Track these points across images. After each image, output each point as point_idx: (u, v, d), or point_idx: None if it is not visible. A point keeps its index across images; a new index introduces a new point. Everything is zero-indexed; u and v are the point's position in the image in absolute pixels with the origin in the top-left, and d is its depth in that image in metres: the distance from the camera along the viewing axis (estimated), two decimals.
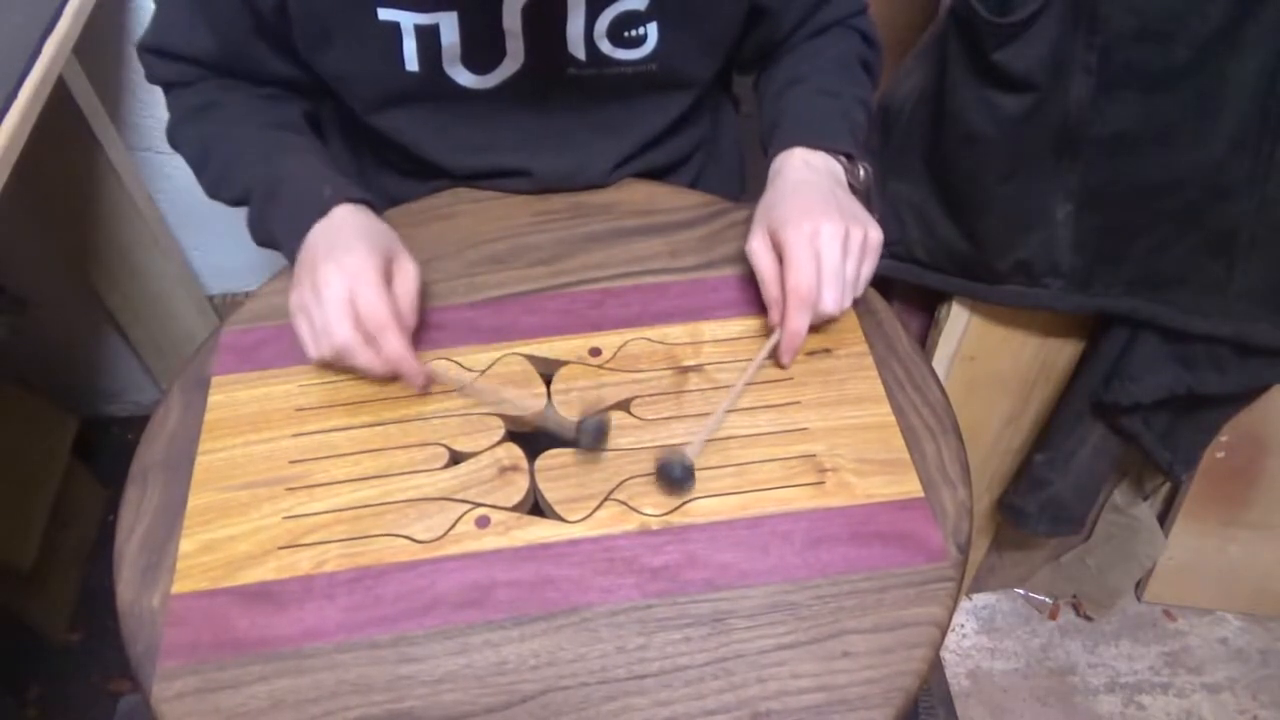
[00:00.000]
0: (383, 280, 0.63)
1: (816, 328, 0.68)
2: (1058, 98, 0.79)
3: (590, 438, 0.62)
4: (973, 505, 0.60)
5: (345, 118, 0.81)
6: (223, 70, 0.75)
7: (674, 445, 0.62)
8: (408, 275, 0.66)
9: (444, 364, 0.67)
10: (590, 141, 0.79)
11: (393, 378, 0.65)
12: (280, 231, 0.69)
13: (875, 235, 0.67)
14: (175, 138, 0.78)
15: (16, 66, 0.78)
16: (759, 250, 0.67)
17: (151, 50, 0.75)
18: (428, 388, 0.66)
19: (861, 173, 0.73)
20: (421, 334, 0.69)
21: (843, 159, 0.72)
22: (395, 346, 0.62)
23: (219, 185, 0.75)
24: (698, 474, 0.61)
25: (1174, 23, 0.75)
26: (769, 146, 0.75)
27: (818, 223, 0.64)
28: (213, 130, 0.75)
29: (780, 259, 0.66)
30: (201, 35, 0.73)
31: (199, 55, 0.74)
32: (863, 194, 0.72)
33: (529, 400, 0.65)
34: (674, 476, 0.59)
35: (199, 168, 0.76)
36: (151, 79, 0.77)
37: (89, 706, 1.22)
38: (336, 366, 0.65)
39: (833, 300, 0.64)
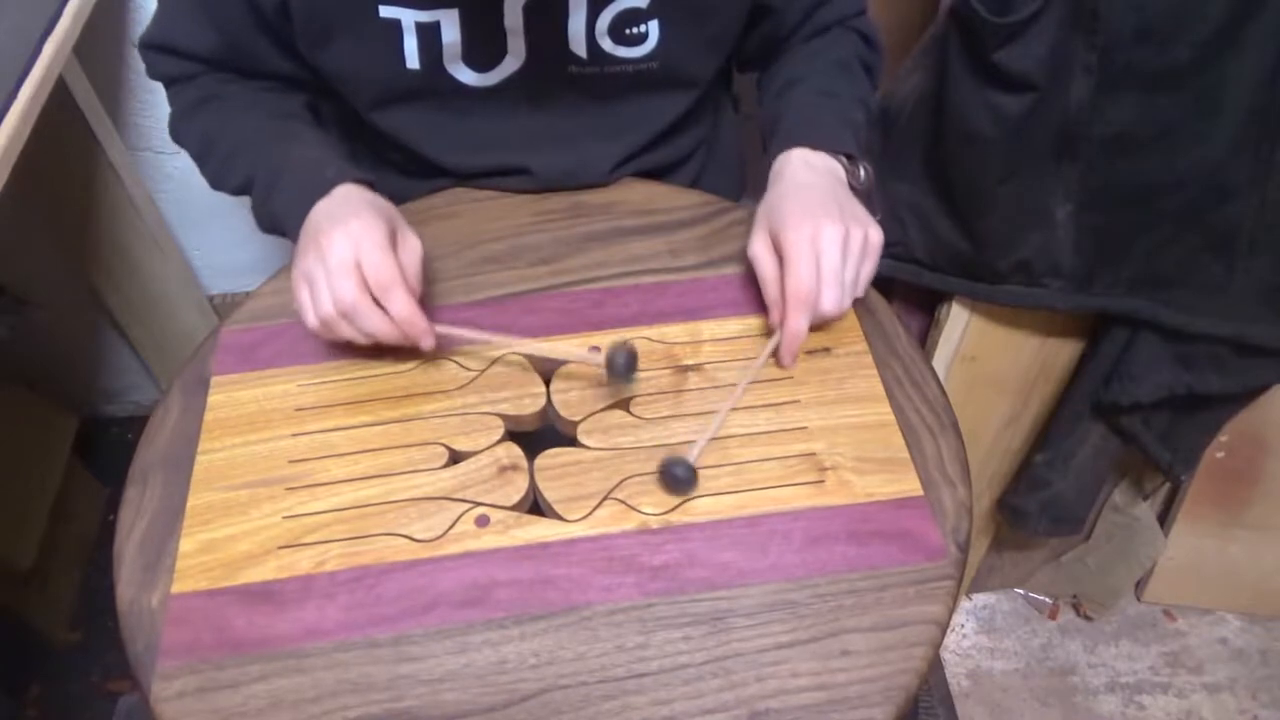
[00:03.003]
0: (389, 243, 0.63)
1: (817, 327, 0.68)
2: (1058, 98, 0.79)
3: (622, 369, 0.62)
4: (972, 504, 0.60)
5: (345, 117, 0.81)
6: (224, 66, 0.75)
7: (676, 445, 0.62)
8: (412, 245, 0.66)
9: (445, 329, 0.66)
10: (591, 140, 0.79)
11: (395, 344, 0.65)
12: (284, 214, 0.69)
13: (876, 236, 0.67)
14: (177, 132, 0.78)
15: (16, 66, 0.78)
16: (760, 254, 0.67)
17: (153, 47, 0.75)
18: (434, 349, 0.65)
19: (862, 173, 0.73)
20: None
21: (843, 159, 0.72)
22: (404, 305, 0.62)
23: (222, 176, 0.75)
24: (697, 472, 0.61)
25: (1174, 23, 0.74)
26: (769, 146, 0.75)
27: (819, 224, 0.64)
28: (215, 122, 0.75)
29: (781, 261, 0.66)
30: (204, 32, 0.73)
31: (201, 52, 0.74)
32: (863, 194, 0.72)
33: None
34: (677, 477, 0.59)
35: (202, 160, 0.76)
36: (152, 75, 0.77)
37: (89, 706, 1.22)
38: (332, 337, 0.64)
39: (832, 301, 0.64)
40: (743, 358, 0.67)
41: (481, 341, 0.67)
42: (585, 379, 0.67)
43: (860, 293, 0.68)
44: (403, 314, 0.62)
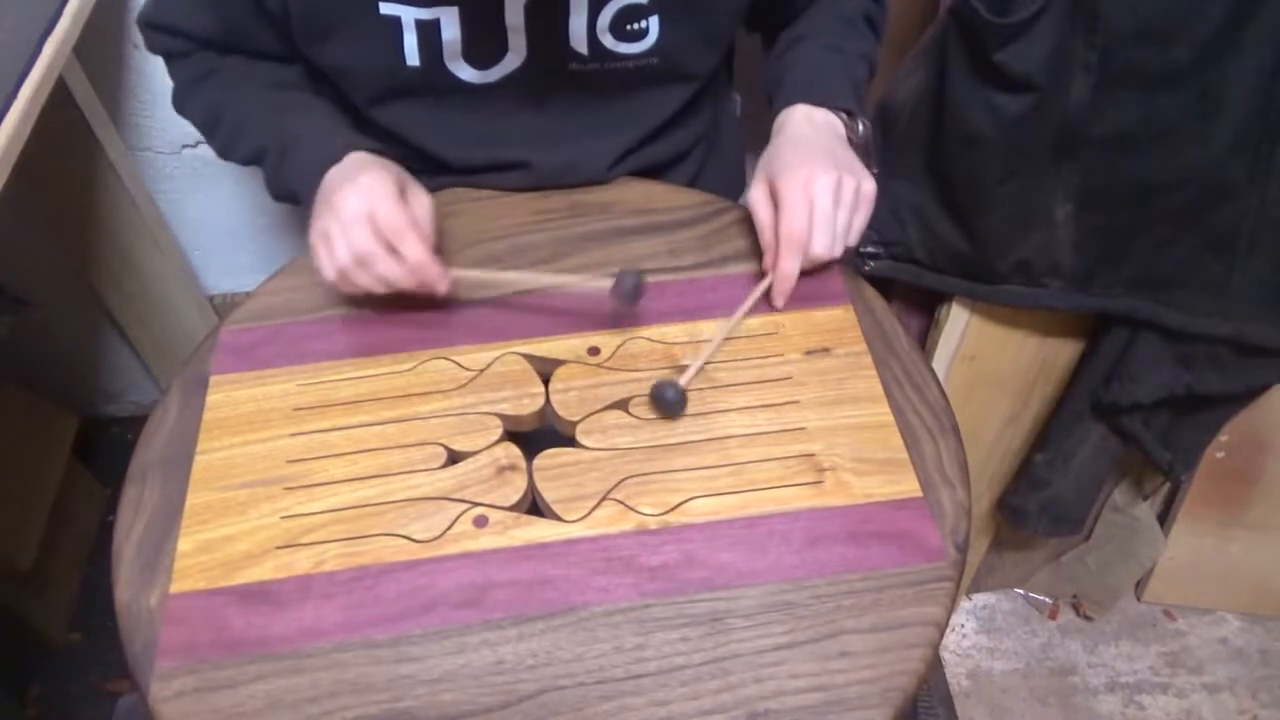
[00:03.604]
0: (399, 195, 0.65)
1: (817, 328, 0.68)
2: (1058, 98, 0.79)
3: (629, 294, 0.64)
4: (971, 505, 0.60)
5: (344, 111, 0.81)
6: (222, 47, 0.76)
7: (675, 445, 0.62)
8: (422, 199, 0.68)
9: (461, 271, 0.68)
10: (591, 136, 0.79)
11: (411, 291, 0.66)
12: (297, 184, 0.70)
13: (868, 187, 0.69)
14: (181, 104, 0.79)
15: (16, 66, 0.78)
16: (758, 200, 0.70)
17: (151, 24, 0.76)
18: (450, 294, 0.68)
19: (861, 128, 0.75)
20: (420, 333, 0.69)
21: (843, 115, 0.74)
22: (417, 250, 0.64)
23: (230, 147, 0.77)
24: (696, 473, 0.61)
25: (1174, 23, 0.74)
26: (773, 101, 0.77)
27: (813, 172, 0.67)
28: (217, 95, 0.76)
29: (776, 207, 0.68)
30: (202, 13, 0.74)
31: (198, 32, 0.75)
32: (861, 149, 0.74)
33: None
34: (667, 399, 0.62)
35: (209, 133, 0.78)
36: (151, 49, 0.79)
37: (89, 706, 1.22)
38: (351, 289, 0.66)
39: (822, 245, 0.67)
40: (742, 357, 0.67)
41: (496, 283, 0.69)
42: (584, 379, 0.66)
43: (852, 241, 0.70)
44: (416, 258, 0.64)
